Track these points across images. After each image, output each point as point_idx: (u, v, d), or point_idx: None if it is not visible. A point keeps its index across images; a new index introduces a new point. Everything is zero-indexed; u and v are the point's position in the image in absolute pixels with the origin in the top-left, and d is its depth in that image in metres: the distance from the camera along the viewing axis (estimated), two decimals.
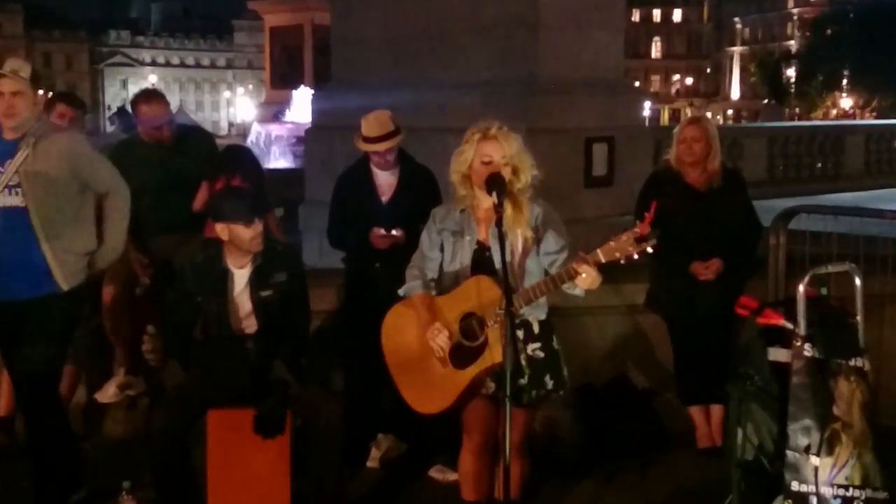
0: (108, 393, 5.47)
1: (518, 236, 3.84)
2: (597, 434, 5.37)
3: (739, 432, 4.12)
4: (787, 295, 4.98)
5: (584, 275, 3.59)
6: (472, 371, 3.79)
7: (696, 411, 5.32)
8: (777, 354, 4.07)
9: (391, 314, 4.09)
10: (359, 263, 5.20)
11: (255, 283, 4.32)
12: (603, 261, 3.56)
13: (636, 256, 3.51)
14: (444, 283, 3.98)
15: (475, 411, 3.93)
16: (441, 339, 3.82)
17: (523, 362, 3.87)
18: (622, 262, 3.54)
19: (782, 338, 4.06)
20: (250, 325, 4.34)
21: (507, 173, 3.79)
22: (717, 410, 5.24)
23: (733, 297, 4.52)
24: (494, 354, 3.70)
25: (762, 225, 5.38)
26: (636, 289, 5.58)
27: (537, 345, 3.94)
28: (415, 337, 3.94)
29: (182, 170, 5.52)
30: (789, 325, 4.03)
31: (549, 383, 3.97)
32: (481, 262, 3.88)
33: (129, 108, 8.43)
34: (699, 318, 5.14)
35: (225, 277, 4.33)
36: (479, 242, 3.92)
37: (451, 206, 4.00)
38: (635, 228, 3.49)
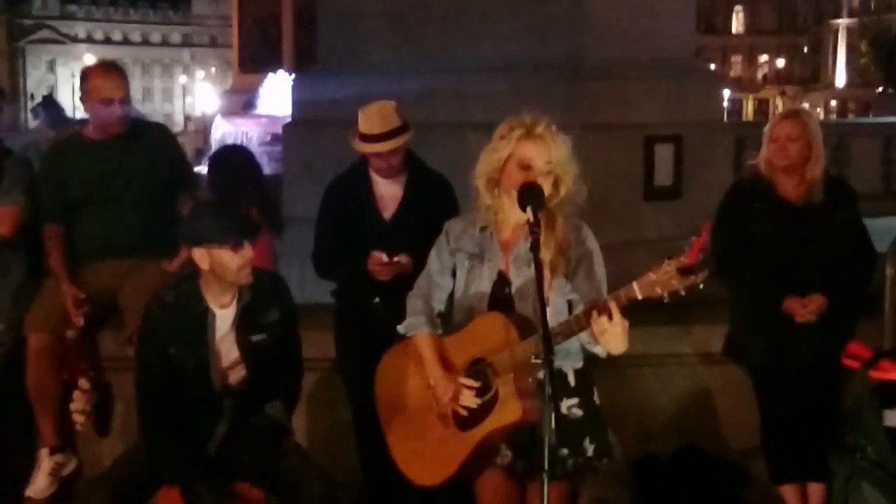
0: (40, 486, 5.40)
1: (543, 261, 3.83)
2: None
3: None
4: None
5: (606, 324, 3.53)
6: (479, 432, 3.84)
7: (789, 491, 5.30)
8: None
9: (388, 357, 4.19)
10: (353, 297, 5.21)
11: (243, 325, 4.34)
12: (640, 297, 3.51)
13: (683, 293, 3.45)
14: (455, 319, 4.03)
15: (490, 490, 3.95)
16: (461, 396, 3.85)
17: (553, 425, 3.86)
18: (665, 299, 3.48)
19: None
20: (234, 378, 4.38)
21: (546, 184, 3.81)
22: (816, 491, 5.22)
23: (839, 343, 4.52)
24: (506, 413, 3.76)
25: (876, 250, 5.37)
26: (711, 332, 5.58)
27: (574, 401, 3.98)
28: (413, 387, 4.02)
29: (140, 171, 5.54)
30: None
31: (590, 449, 4.00)
32: (499, 297, 3.92)
33: (56, 97, 8.50)
34: (794, 370, 5.13)
35: (204, 320, 4.32)
36: (499, 272, 3.95)
37: (471, 219, 4.04)
38: (681, 256, 3.44)
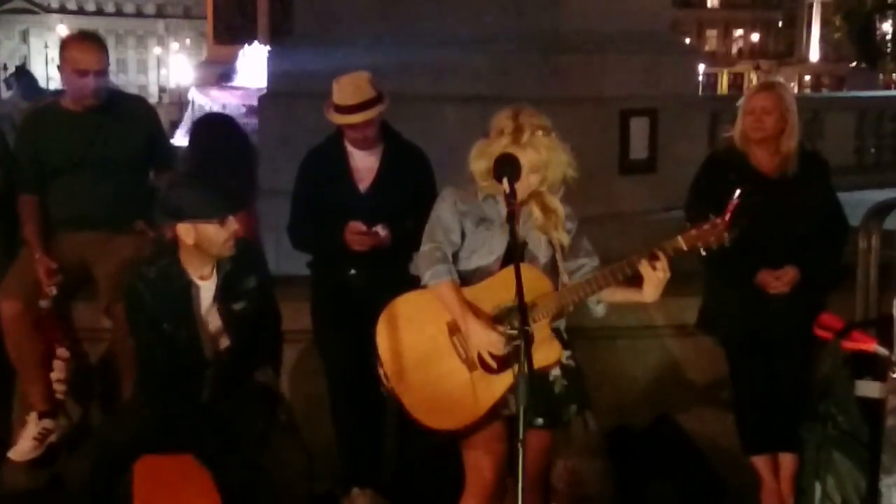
0: (23, 449, 5.39)
1: (554, 238, 4.08)
2: (634, 490, 5.39)
3: (818, 488, 4.15)
4: (880, 312, 5.00)
5: (654, 272, 3.84)
6: (510, 376, 3.88)
7: (761, 462, 5.33)
8: (867, 389, 4.10)
9: (395, 306, 4.14)
10: (329, 270, 5.22)
11: (225, 294, 4.37)
12: (685, 248, 3.84)
13: (714, 247, 3.83)
14: (460, 277, 4.09)
15: (488, 440, 4.03)
16: (493, 343, 3.94)
17: (558, 372, 4.09)
18: (703, 252, 3.86)
19: (874, 368, 4.08)
20: (222, 347, 4.41)
21: (534, 179, 3.99)
22: (788, 461, 5.25)
23: (811, 315, 4.54)
24: (550, 353, 3.97)
25: (849, 223, 5.40)
26: (685, 304, 5.59)
27: (568, 352, 4.15)
28: (430, 334, 4.05)
29: (116, 143, 5.51)
30: (883, 351, 4.05)
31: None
32: (511, 258, 3.98)
33: (29, 68, 8.45)
34: (767, 342, 5.15)
35: (188, 293, 4.35)
36: None
37: (469, 189, 4.12)
38: (716, 220, 3.81)
